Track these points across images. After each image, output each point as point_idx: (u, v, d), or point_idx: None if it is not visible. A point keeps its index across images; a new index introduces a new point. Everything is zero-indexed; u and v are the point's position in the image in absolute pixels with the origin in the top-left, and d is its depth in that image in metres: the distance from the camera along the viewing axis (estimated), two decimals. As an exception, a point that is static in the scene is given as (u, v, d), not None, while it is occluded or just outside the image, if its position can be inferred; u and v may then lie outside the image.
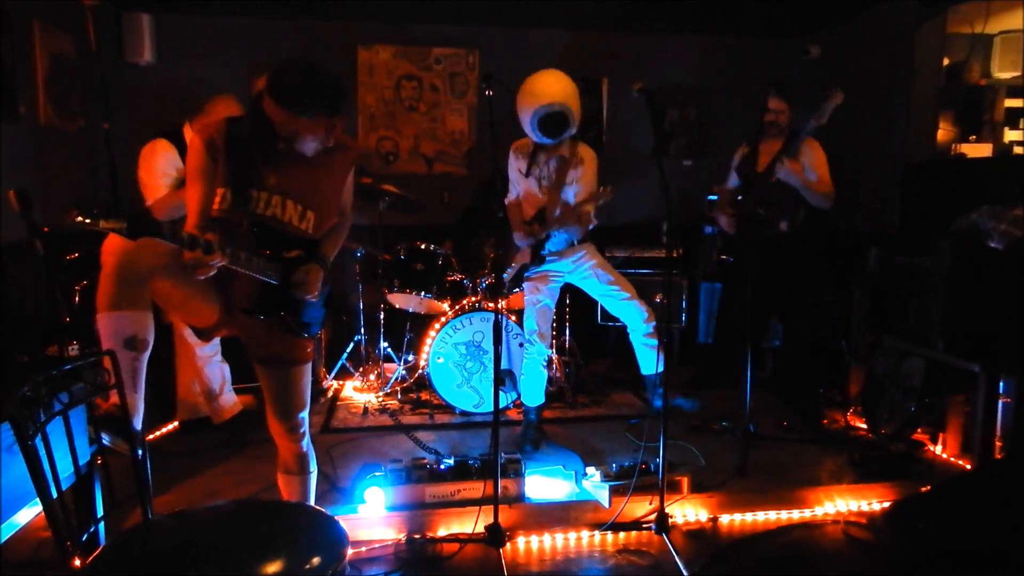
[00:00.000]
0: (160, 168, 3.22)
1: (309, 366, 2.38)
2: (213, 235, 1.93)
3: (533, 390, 3.74)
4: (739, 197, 4.03)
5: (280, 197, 2.16)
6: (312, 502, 2.50)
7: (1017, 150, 4.85)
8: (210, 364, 3.59)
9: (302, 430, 2.41)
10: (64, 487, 1.62)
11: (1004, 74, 4.81)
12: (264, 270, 2.14)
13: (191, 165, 2.12)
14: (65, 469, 1.68)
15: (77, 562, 1.58)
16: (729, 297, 4.50)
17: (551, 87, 3.36)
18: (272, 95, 1.99)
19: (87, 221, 1.67)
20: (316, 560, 1.58)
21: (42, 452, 1.53)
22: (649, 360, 3.66)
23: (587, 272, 3.62)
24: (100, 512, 2.18)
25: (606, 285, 3.62)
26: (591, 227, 3.58)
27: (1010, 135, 4.88)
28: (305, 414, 2.40)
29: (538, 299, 3.64)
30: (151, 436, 3.67)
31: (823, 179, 3.89)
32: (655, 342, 3.63)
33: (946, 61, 4.61)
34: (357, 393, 4.52)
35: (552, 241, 3.58)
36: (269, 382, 2.33)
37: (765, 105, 3.90)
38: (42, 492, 1.51)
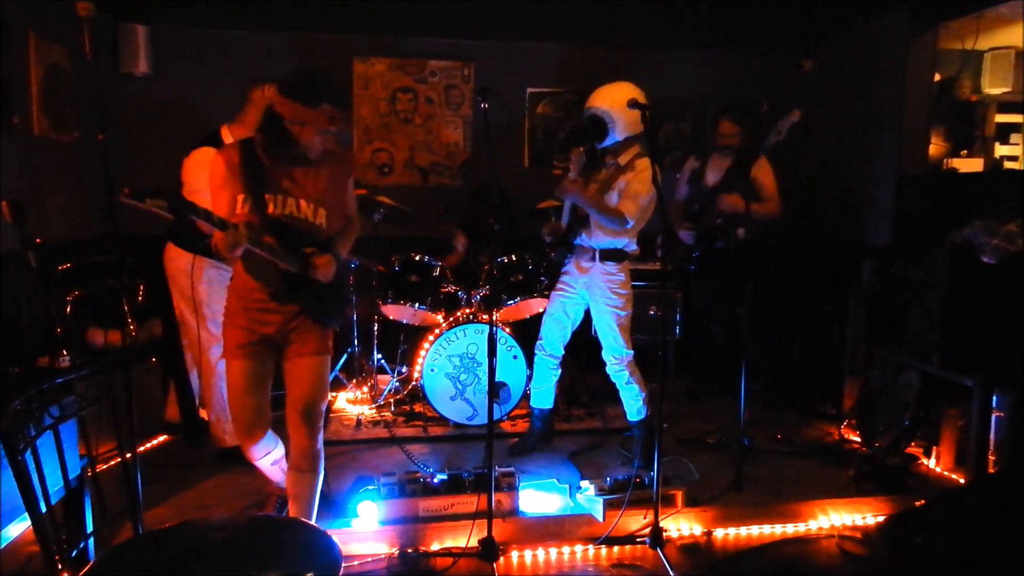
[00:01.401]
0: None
1: (329, 359, 2.63)
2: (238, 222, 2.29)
3: (536, 392, 3.78)
4: (696, 207, 4.28)
5: (293, 198, 2.47)
6: (316, 502, 2.60)
7: (1008, 165, 4.89)
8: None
9: (319, 424, 2.60)
10: (54, 501, 1.61)
11: (994, 90, 4.86)
12: (284, 257, 2.41)
13: (214, 180, 2.46)
14: (55, 483, 1.66)
15: (66, 578, 1.57)
16: (698, 306, 4.59)
17: (597, 94, 3.40)
18: (283, 91, 2.36)
19: (133, 200, 1.97)
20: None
21: (32, 466, 1.51)
22: (630, 404, 3.62)
23: (594, 296, 3.53)
24: (90, 527, 2.16)
25: (600, 317, 3.54)
26: (621, 246, 3.48)
27: (1001, 150, 4.93)
28: (324, 408, 2.62)
29: (551, 311, 3.67)
30: (142, 448, 3.64)
31: (771, 196, 4.16)
32: (627, 377, 3.55)
33: (937, 76, 4.65)
34: (350, 405, 4.49)
35: (579, 244, 3.56)
36: (294, 373, 2.56)
37: (716, 126, 4.24)
38: (31, 507, 1.50)
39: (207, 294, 3.36)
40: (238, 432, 2.60)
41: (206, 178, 2.90)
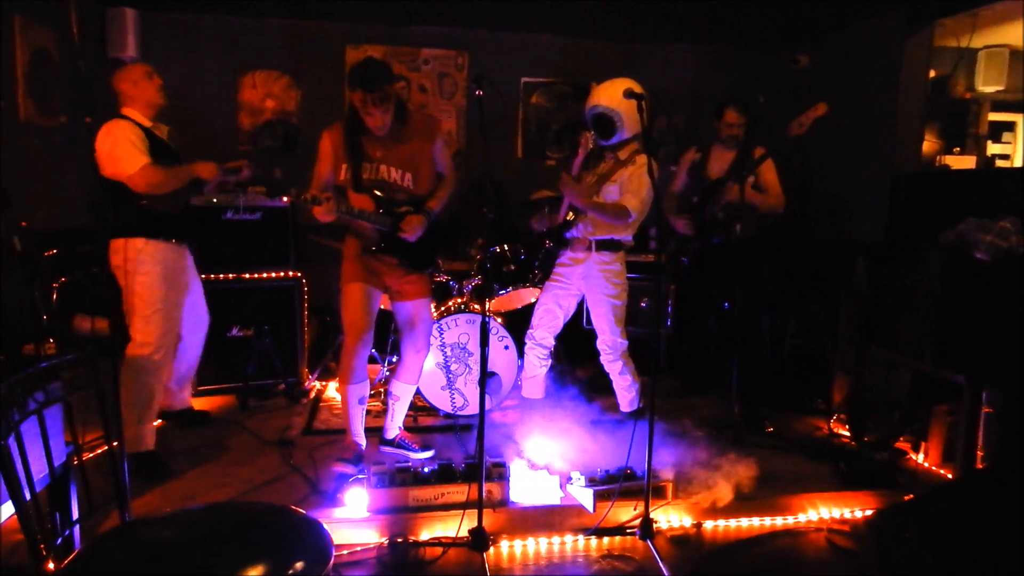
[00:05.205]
0: (128, 138, 3.17)
1: (430, 300, 3.34)
2: (328, 195, 2.91)
3: (526, 383, 3.77)
4: (696, 199, 4.23)
5: (385, 166, 3.07)
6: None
7: (1000, 163, 4.91)
8: (182, 356, 3.58)
9: (428, 351, 3.41)
10: (39, 489, 1.58)
11: (988, 88, 4.88)
12: (372, 219, 3.02)
13: (321, 152, 3.08)
14: (40, 470, 1.63)
15: (51, 566, 1.54)
16: (692, 300, 4.59)
17: (601, 91, 3.38)
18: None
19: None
20: (299, 564, 1.55)
21: (15, 453, 1.48)
22: (623, 395, 3.65)
23: (591, 286, 3.54)
24: (76, 515, 2.13)
25: (597, 306, 3.55)
26: (618, 239, 3.50)
27: (993, 148, 4.95)
28: (427, 342, 3.37)
29: (544, 300, 3.66)
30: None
31: (773, 189, 4.12)
32: (621, 367, 3.58)
33: (932, 74, 4.66)
34: (340, 394, 4.46)
35: (574, 236, 3.54)
36: (403, 312, 3.28)
37: (721, 117, 4.16)
38: (15, 494, 1.47)
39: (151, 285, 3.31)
40: (349, 336, 3.11)
41: (124, 141, 3.16)
